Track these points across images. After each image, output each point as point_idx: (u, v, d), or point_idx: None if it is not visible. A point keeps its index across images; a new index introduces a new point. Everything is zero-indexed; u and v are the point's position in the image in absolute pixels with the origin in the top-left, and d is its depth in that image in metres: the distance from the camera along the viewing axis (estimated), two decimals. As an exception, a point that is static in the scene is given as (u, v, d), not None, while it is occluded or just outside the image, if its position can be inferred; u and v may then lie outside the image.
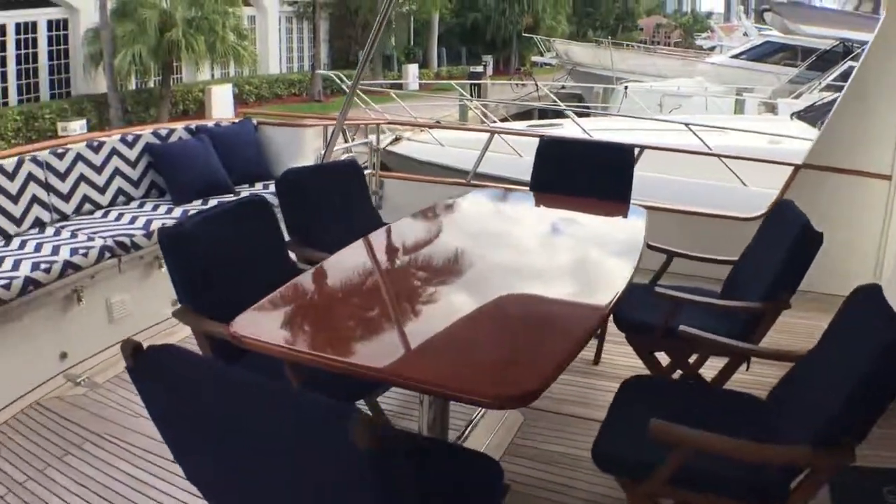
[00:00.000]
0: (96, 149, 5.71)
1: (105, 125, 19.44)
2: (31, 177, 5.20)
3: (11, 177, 5.06)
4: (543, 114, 18.23)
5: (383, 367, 2.49)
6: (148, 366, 1.87)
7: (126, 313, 5.17)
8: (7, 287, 4.23)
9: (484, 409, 4.08)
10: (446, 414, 3.14)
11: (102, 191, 5.70)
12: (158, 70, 20.72)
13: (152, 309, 5.17)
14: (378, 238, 4.02)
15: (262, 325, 2.80)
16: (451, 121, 18.62)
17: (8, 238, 4.94)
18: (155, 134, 6.16)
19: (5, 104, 19.70)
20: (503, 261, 3.78)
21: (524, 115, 22.09)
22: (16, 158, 5.17)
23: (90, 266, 4.79)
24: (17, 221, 5.06)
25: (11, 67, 20.09)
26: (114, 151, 5.82)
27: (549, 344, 2.74)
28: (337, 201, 4.57)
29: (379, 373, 2.49)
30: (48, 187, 5.34)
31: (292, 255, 3.99)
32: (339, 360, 2.55)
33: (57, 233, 5.08)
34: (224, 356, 3.13)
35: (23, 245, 4.83)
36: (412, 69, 32.77)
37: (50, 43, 21.01)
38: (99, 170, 5.69)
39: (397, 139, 12.48)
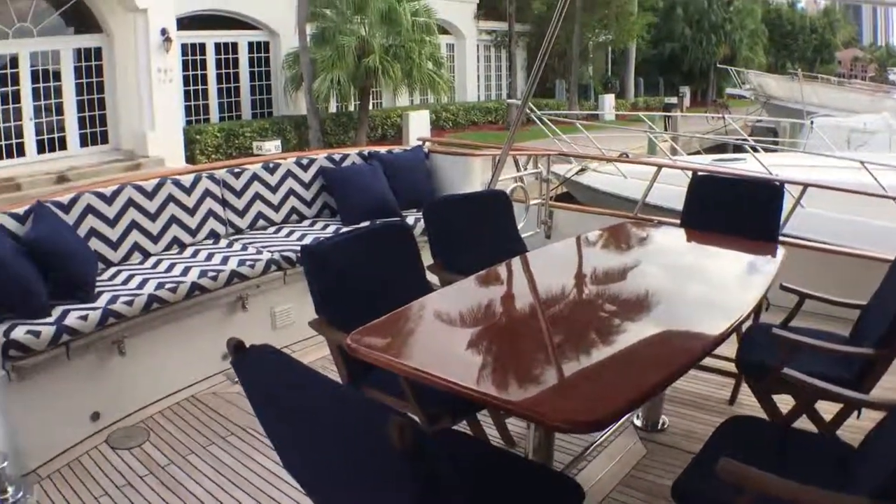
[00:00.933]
0: (272, 170, 6.03)
1: (304, 146, 20.41)
2: (207, 192, 5.62)
3: (188, 191, 5.45)
4: (738, 148, 17.67)
5: (477, 388, 2.60)
6: (247, 361, 2.10)
7: (288, 322, 5.48)
8: (173, 290, 4.68)
9: (601, 438, 4.22)
10: (550, 438, 3.23)
11: (276, 209, 6.07)
12: (357, 94, 21.32)
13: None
14: (509, 266, 4.16)
15: (379, 337, 2.98)
16: (639, 153, 18.34)
17: (182, 247, 5.39)
18: (329, 158, 6.47)
19: (206, 121, 20.99)
20: (618, 292, 3.89)
21: (718, 148, 21.50)
22: (192, 175, 5.57)
23: (256, 277, 5.16)
24: (193, 232, 5.50)
25: (213, 86, 21.39)
26: (289, 173, 6.16)
27: (636, 376, 2.77)
28: (481, 229, 4.74)
29: (472, 392, 2.58)
30: (224, 203, 5.73)
31: (434, 279, 4.18)
32: (440, 377, 2.65)
33: (230, 245, 5.47)
34: (354, 369, 3.42)
35: (195, 254, 5.25)
36: (608, 99, 32.68)
37: (251, 64, 22.23)
38: (274, 189, 6.05)
39: (583, 170, 12.48)
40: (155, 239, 5.31)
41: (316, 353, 4.96)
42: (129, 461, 4.13)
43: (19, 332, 3.94)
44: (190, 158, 18.89)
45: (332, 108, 22.05)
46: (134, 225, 5.21)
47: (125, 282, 4.71)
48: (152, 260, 5.15)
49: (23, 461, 3.99)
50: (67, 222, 4.84)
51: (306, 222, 6.16)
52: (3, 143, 17.37)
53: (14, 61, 17.32)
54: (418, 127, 21.90)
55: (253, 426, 4.31)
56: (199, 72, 20.96)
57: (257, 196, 5.94)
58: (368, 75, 20.19)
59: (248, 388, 2.16)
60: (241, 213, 5.85)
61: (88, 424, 4.39)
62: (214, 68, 21.39)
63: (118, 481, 3.94)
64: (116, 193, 5.18)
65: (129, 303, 4.44)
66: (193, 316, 4.91)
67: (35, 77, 17.86)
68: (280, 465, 3.84)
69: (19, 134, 17.76)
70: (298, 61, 20.70)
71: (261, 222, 5.96)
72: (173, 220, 5.42)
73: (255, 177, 5.95)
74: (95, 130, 18.90)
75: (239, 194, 5.85)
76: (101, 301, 4.39)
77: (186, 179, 5.55)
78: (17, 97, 17.50)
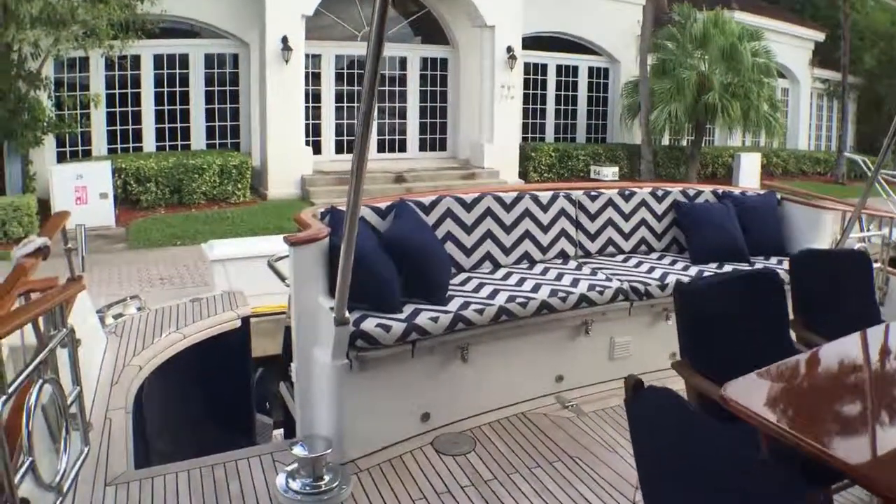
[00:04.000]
0: (627, 197, 5.95)
1: (635, 175, 20.32)
2: (562, 212, 5.61)
3: (545, 208, 5.48)
4: None
5: (850, 462, 2.48)
6: (643, 401, 2.15)
7: (626, 354, 5.35)
8: (523, 305, 4.65)
9: None
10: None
11: (627, 237, 5.96)
12: (691, 130, 20.96)
13: (650, 357, 5.26)
14: (878, 334, 3.79)
15: (752, 394, 2.86)
16: None
17: (532, 263, 5.40)
18: (683, 192, 6.26)
19: (542, 139, 21.37)
20: None
21: None
22: (550, 193, 5.58)
23: (603, 304, 5.03)
24: (544, 250, 5.51)
25: (551, 106, 21.76)
26: (643, 203, 6.04)
27: None
28: (842, 290, 4.41)
29: (843, 466, 2.45)
30: (577, 224, 5.70)
31: (792, 334, 3.96)
32: (811, 443, 2.52)
33: (578, 267, 5.41)
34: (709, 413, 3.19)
35: (545, 272, 5.23)
36: (946, 161, 29.57)
37: (589, 89, 22.38)
38: (627, 217, 5.94)
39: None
40: (507, 251, 5.35)
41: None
42: (452, 468, 4.13)
43: (370, 325, 4.06)
44: (523, 174, 19.31)
45: (664, 140, 21.72)
46: (489, 234, 5.27)
47: (476, 289, 4.76)
48: (502, 271, 5.19)
49: (345, 450, 4.09)
50: (427, 223, 4.99)
51: (654, 255, 5.98)
52: (345, 138, 18.69)
53: (361, 64, 18.41)
54: (748, 170, 21.15)
55: (581, 457, 4.22)
56: (538, 91, 21.40)
57: (610, 222, 5.86)
58: (706, 111, 19.72)
59: (637, 427, 2.17)
60: (593, 237, 5.79)
61: (417, 424, 4.46)
62: (554, 89, 21.77)
63: (438, 487, 3.94)
64: (476, 201, 5.27)
65: (480, 311, 4.47)
66: (537, 333, 4.88)
67: (382, 81, 19.06)
68: (603, 501, 3.77)
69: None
70: (637, 90, 20.63)
71: (610, 248, 5.86)
72: (527, 234, 5.43)
73: (610, 202, 5.87)
74: (435, 137, 19.84)
75: (593, 217, 5.79)
76: (453, 305, 4.45)
77: (544, 196, 5.56)
78: (360, 97, 18.70)
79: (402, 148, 19.57)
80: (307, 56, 17.14)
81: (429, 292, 4.51)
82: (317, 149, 17.85)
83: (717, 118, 20.03)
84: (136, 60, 16.32)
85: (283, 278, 4.77)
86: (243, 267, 8.85)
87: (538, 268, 5.33)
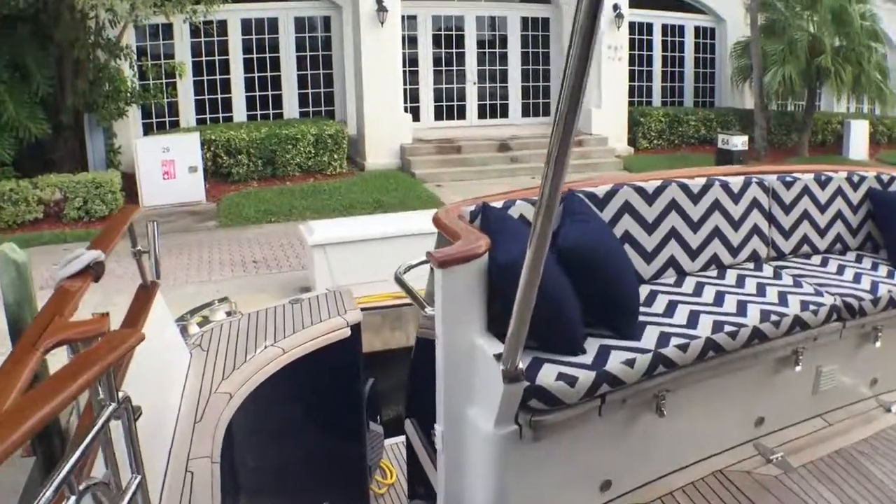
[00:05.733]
0: (823, 184, 4.72)
1: (749, 143, 18.80)
2: (755, 203, 4.42)
3: (736, 198, 4.29)
4: None
5: None
6: None
7: (829, 385, 4.21)
8: (732, 336, 3.46)
9: None
10: None
11: (822, 233, 4.74)
12: (803, 94, 19.49)
13: (851, 386, 4.28)
14: None
15: None
16: None
17: (721, 269, 4.22)
18: (877, 178, 4.99)
19: (649, 104, 20.00)
20: None
21: None
22: (741, 178, 4.40)
23: (817, 326, 3.83)
24: (734, 251, 4.31)
25: (657, 68, 20.36)
26: (839, 191, 4.82)
27: None
28: None
29: None
30: (770, 218, 4.49)
31: None
32: None
33: (776, 274, 4.21)
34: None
35: (740, 282, 4.06)
36: None
37: (696, 50, 20.99)
38: (823, 208, 4.71)
39: None
40: (693, 254, 4.18)
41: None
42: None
43: (549, 376, 2.94)
44: (631, 141, 18.10)
45: (774, 105, 20.16)
46: (673, 233, 4.11)
47: (668, 312, 3.60)
48: (689, 282, 4.02)
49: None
50: (605, 221, 3.84)
51: (850, 255, 4.72)
52: (444, 104, 17.70)
53: (459, 25, 17.74)
54: (858, 136, 19.56)
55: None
56: (643, 52, 19.99)
57: (805, 215, 4.62)
58: (818, 75, 18.20)
59: None
60: (787, 234, 4.57)
61: (595, 495, 3.40)
62: (660, 50, 20.37)
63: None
64: (660, 191, 4.09)
65: (683, 347, 3.32)
66: (737, 370, 3.72)
67: (480, 43, 18.00)
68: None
69: (461, 97, 18.03)
70: (747, 52, 19.26)
71: (804, 248, 4.64)
72: (716, 233, 4.26)
73: (805, 190, 4.63)
74: (538, 102, 18.77)
75: (788, 209, 4.56)
76: (648, 340, 3.30)
77: (735, 183, 4.36)
78: (461, 59, 17.74)
79: (504, 113, 18.47)
80: (403, 17, 16.09)
81: (617, 321, 3.34)
82: (415, 116, 16.88)
83: (829, 83, 18.68)
84: (223, 26, 15.57)
85: (421, 305, 3.64)
86: (347, 252, 7.91)
87: (730, 276, 4.13)
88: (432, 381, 3.37)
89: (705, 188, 4.22)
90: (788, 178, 4.65)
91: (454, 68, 17.85)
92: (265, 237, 11.06)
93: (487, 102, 18.32)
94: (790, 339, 3.76)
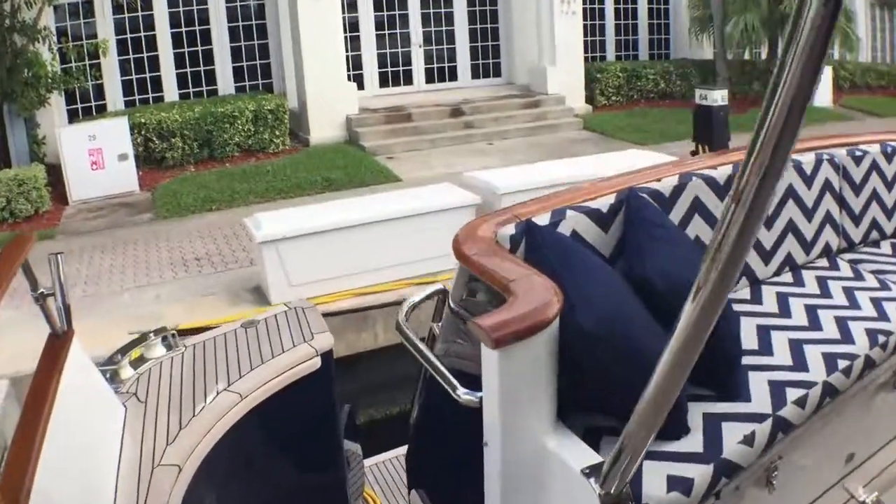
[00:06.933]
0: (889, 157, 3.90)
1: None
2: (827, 185, 3.57)
3: (808, 181, 3.44)
4: None
5: None
6: None
7: None
8: (847, 372, 2.61)
9: None
10: None
11: (890, 215, 3.93)
12: (764, 42, 18.84)
13: None
14: None
15: None
16: None
17: (795, 270, 3.37)
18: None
19: (603, 59, 19.12)
20: None
21: None
22: (812, 155, 3.56)
23: None
24: (807, 247, 3.45)
25: (610, 21, 19.51)
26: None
27: None
28: None
29: None
30: (842, 202, 3.65)
31: None
32: None
33: (857, 274, 3.38)
34: None
35: (823, 288, 3.19)
36: None
37: (650, 1, 20.13)
38: (890, 186, 3.92)
39: None
40: (766, 256, 3.33)
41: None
42: None
43: (657, 485, 2.05)
44: (589, 99, 17.21)
45: (730, 55, 19.48)
46: None
47: (764, 345, 2.76)
48: (769, 295, 3.18)
49: None
50: (679, 229, 2.95)
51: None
52: (389, 70, 16.70)
53: None
54: (822, 85, 18.95)
55: None
56: (595, 5, 19.04)
57: (874, 195, 3.81)
58: (783, 22, 17.50)
59: None
60: (857, 219, 3.74)
61: None
62: (612, 2, 19.46)
63: None
64: (730, 181, 3.21)
65: (802, 401, 2.45)
66: (842, 411, 2.87)
67: (424, 3, 16.98)
68: None
69: (407, 62, 17.04)
70: (705, 1, 18.50)
71: (873, 234, 3.83)
72: (790, 227, 3.42)
73: (874, 165, 3.81)
74: (487, 62, 17.87)
75: (857, 189, 3.74)
76: (760, 397, 2.42)
77: (807, 161, 3.52)
78: (405, 22, 16.74)
79: (454, 76, 17.47)
80: (341, -20, 14.93)
81: (717, 374, 2.39)
82: (360, 84, 15.82)
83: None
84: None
85: (451, 384, 2.34)
86: (301, 247, 6.96)
87: (808, 280, 3.28)
88: (444, 444, 2.51)
89: None
90: (858, 152, 3.81)
91: (398, 31, 16.81)
92: (207, 228, 10.04)
93: (435, 66, 17.32)
94: (893, 361, 2.96)
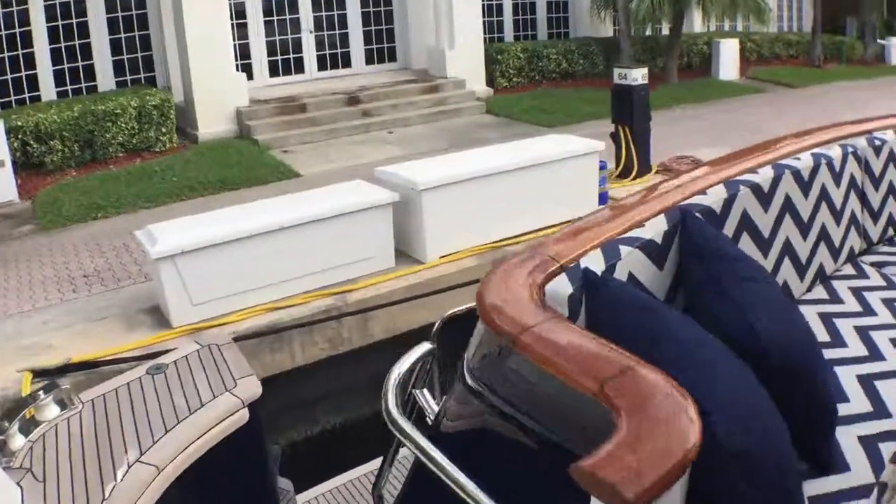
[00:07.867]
0: (878, 149, 3.56)
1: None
2: (852, 182, 3.20)
3: (838, 178, 3.06)
4: None
5: None
6: None
7: None
8: None
9: None
10: None
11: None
12: (667, 18, 18.64)
13: None
14: None
15: None
16: None
17: (825, 282, 2.97)
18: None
19: (500, 39, 18.72)
20: None
21: None
22: (839, 148, 3.18)
23: None
24: (835, 252, 3.07)
25: (507, 1, 19.06)
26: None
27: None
28: None
29: None
30: (863, 198, 3.30)
31: None
32: None
33: (889, 282, 2.98)
34: None
35: (864, 303, 2.83)
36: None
37: (547, -22, 19.82)
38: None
39: None
40: (802, 269, 2.92)
41: None
42: None
43: None
44: (489, 81, 16.76)
45: (632, 31, 19.38)
46: (787, 249, 2.87)
47: (835, 389, 2.32)
48: (812, 317, 2.67)
49: None
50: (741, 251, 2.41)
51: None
52: (279, 57, 15.98)
53: None
54: (728, 57, 19.22)
55: None
56: (490, -16, 18.63)
57: (891, 188, 3.46)
58: (690, -4, 17.52)
59: None
60: (875, 216, 3.36)
61: None
62: (511, -16, 19.04)
63: None
64: (775, 185, 2.79)
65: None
66: None
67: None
68: None
69: (298, 49, 16.32)
70: (607, -22, 18.23)
71: (889, 231, 3.49)
72: (822, 234, 3.03)
73: (891, 155, 3.45)
74: (382, 47, 17.26)
75: (877, 183, 3.37)
76: (858, 462, 1.99)
77: (837, 158, 3.14)
78: (294, 7, 16.03)
79: (347, 63, 16.78)
80: (223, -37, 14.02)
81: (810, 442, 1.90)
82: (249, 74, 14.98)
83: (704, 4, 17.98)
84: (19, -8, 13.24)
85: None
86: (203, 261, 6.31)
87: (844, 295, 2.85)
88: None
89: (814, 171, 2.92)
90: (877, 141, 3.44)
91: (287, 17, 16.04)
92: (94, 239, 9.21)
93: (328, 52, 16.58)
94: None
